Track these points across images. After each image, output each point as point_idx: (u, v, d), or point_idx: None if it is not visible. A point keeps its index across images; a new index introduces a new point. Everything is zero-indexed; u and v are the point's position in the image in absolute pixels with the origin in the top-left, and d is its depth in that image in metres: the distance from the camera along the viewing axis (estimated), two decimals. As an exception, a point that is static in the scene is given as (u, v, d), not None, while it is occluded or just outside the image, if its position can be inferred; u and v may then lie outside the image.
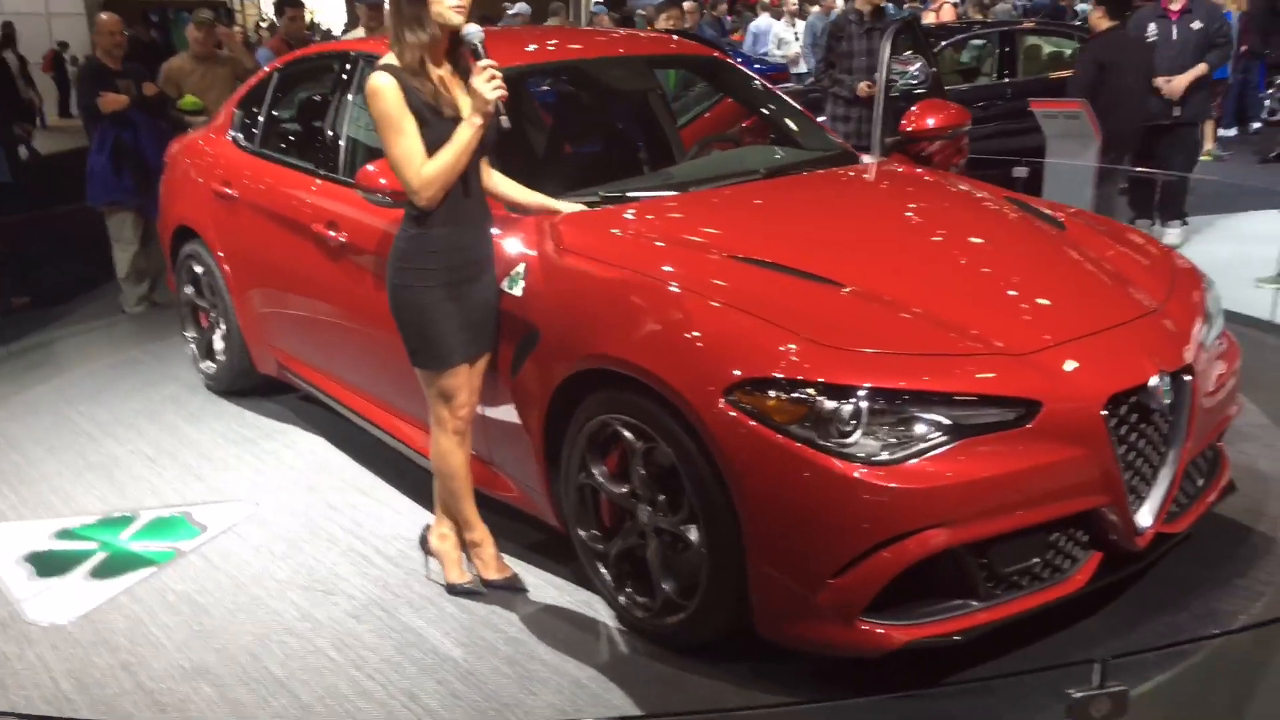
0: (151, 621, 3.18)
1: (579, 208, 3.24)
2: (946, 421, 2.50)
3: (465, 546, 3.26)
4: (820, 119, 6.78)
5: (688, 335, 2.68)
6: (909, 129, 4.40)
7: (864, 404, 2.48)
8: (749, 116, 4.59)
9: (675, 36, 5.46)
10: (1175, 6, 6.63)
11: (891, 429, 2.49)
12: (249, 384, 4.87)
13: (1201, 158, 9.41)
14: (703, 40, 6.45)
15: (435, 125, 2.84)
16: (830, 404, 2.48)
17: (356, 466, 4.19)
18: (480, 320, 3.04)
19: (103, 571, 3.48)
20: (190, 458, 4.36)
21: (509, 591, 3.20)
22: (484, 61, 2.82)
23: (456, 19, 2.82)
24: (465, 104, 2.89)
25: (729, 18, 14.39)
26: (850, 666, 2.73)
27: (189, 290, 5.08)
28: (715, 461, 2.58)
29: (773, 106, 4.34)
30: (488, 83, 2.79)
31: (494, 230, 3.14)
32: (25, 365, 5.71)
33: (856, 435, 2.47)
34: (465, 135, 2.83)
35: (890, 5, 9.61)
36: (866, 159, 4.11)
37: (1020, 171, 6.25)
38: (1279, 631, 2.95)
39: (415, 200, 2.89)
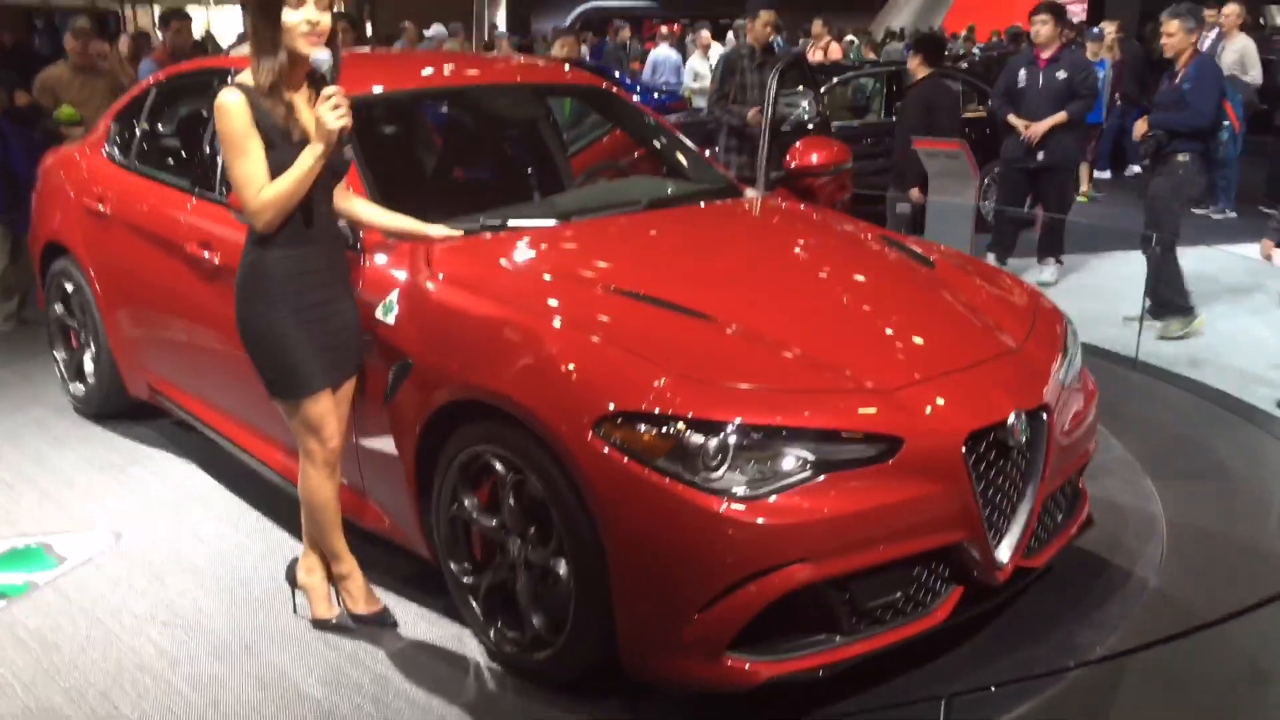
0: (-2, 659, 3.04)
1: (451, 233, 3.19)
2: (811, 457, 2.54)
3: (334, 580, 3.18)
4: (714, 149, 6.90)
5: (558, 367, 2.67)
6: (793, 165, 4.49)
7: (731, 439, 2.50)
8: (638, 147, 4.62)
9: (567, 66, 5.47)
10: (1045, 55, 6.91)
11: (757, 464, 2.51)
12: (119, 408, 4.70)
13: (1078, 199, 9.85)
14: (594, 70, 6.50)
15: (282, 149, 2.79)
16: (697, 438, 2.49)
17: (228, 496, 4.07)
18: (339, 345, 2.97)
19: (-53, 605, 3.32)
20: (52, 485, 4.19)
21: (378, 626, 3.13)
22: (329, 89, 2.77)
23: (305, 49, 2.77)
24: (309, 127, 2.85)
25: (642, 45, 14.51)
26: (712, 703, 2.73)
27: (58, 309, 4.90)
28: (583, 495, 2.57)
29: (660, 139, 4.38)
30: (331, 110, 2.75)
31: (357, 254, 3.11)
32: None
33: (722, 470, 2.49)
34: (306, 162, 2.78)
35: (778, 40, 9.86)
36: (750, 193, 4.17)
37: (903, 208, 6.44)
38: (1133, 662, 3.05)
39: (253, 223, 2.83)
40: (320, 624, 3.14)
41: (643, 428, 2.52)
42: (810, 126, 5.26)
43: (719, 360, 2.70)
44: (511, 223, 3.42)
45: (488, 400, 2.76)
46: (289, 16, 2.74)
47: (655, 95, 11.36)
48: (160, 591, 3.38)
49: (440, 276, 3.07)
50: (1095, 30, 11.00)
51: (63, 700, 2.84)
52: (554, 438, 2.59)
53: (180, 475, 4.25)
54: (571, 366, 2.66)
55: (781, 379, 2.69)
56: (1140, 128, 6.00)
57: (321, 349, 2.92)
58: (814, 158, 4.49)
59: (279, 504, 3.84)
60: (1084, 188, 10.31)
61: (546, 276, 3.10)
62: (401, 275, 3.13)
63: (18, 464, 4.38)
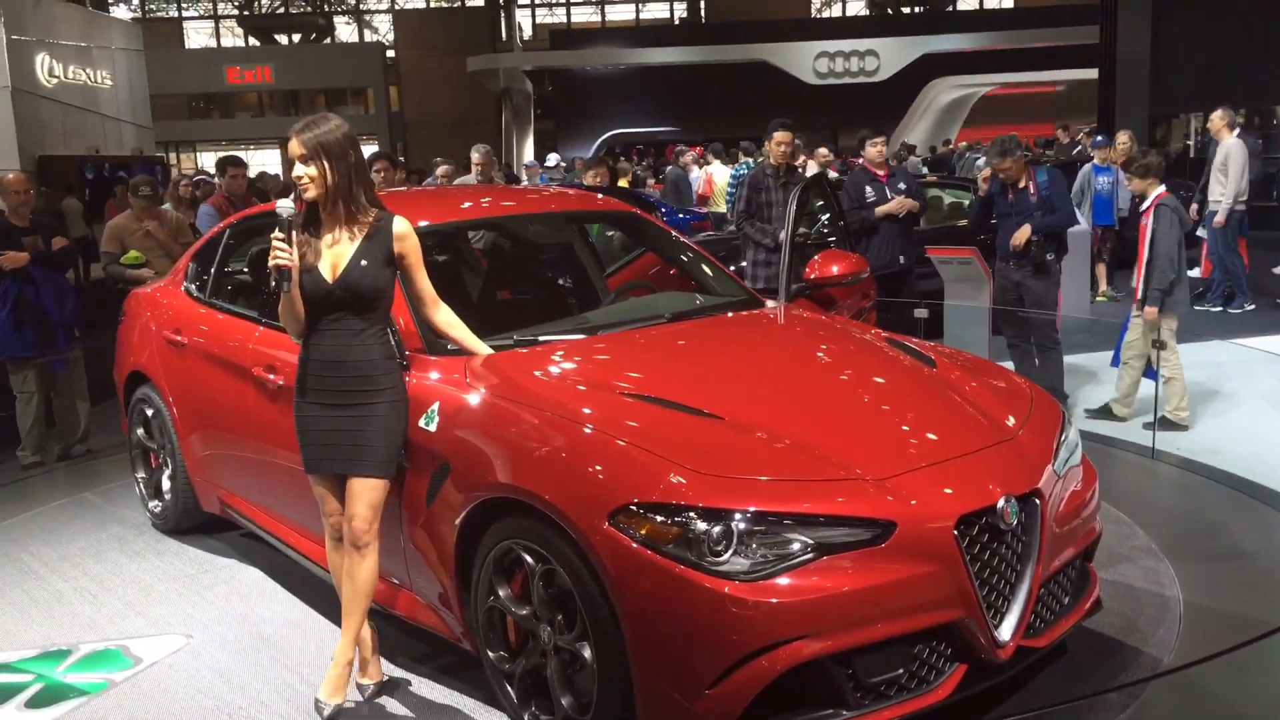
0: (79, 749, 3.32)
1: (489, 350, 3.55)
2: (810, 540, 2.77)
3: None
4: (742, 263, 7.28)
5: (576, 465, 2.95)
6: (812, 276, 4.79)
7: (735, 525, 2.74)
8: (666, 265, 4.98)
9: (600, 194, 5.89)
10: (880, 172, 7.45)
11: (760, 548, 2.75)
12: (194, 522, 5.06)
13: (1098, 298, 10.14)
14: (631, 196, 6.95)
15: (300, 277, 3.32)
16: (704, 525, 2.74)
17: (291, 599, 4.37)
18: (344, 443, 3.33)
19: (37, 702, 3.62)
20: (131, 593, 4.53)
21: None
22: (274, 236, 3.24)
23: (299, 199, 3.31)
24: (325, 262, 3.30)
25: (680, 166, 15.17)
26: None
27: (140, 432, 5.31)
28: (601, 580, 2.82)
29: (686, 256, 4.73)
30: (271, 254, 3.24)
31: (406, 370, 3.50)
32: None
33: (728, 554, 2.73)
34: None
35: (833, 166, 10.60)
36: (771, 304, 4.47)
37: (921, 312, 6.70)
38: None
39: None
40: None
41: (653, 517, 2.78)
42: (830, 240, 5.58)
43: (725, 455, 2.96)
44: (544, 338, 3.76)
45: (516, 496, 3.04)
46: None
47: (680, 216, 11.89)
48: (224, 689, 3.65)
49: (475, 387, 3.39)
50: (1100, 139, 11.40)
51: (137, 784, 3.11)
52: (573, 528, 2.86)
53: (247, 581, 4.57)
54: (589, 463, 2.94)
55: (782, 470, 2.93)
56: (1023, 235, 6.33)
57: (325, 441, 3.35)
58: (833, 269, 4.78)
59: (337, 606, 4.10)
60: (1103, 287, 10.58)
61: (570, 384, 3.41)
62: (442, 388, 3.46)
63: (100, 575, 4.74)
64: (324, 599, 4.23)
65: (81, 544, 5.15)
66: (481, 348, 3.57)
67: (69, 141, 15.72)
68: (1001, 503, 2.98)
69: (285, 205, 3.28)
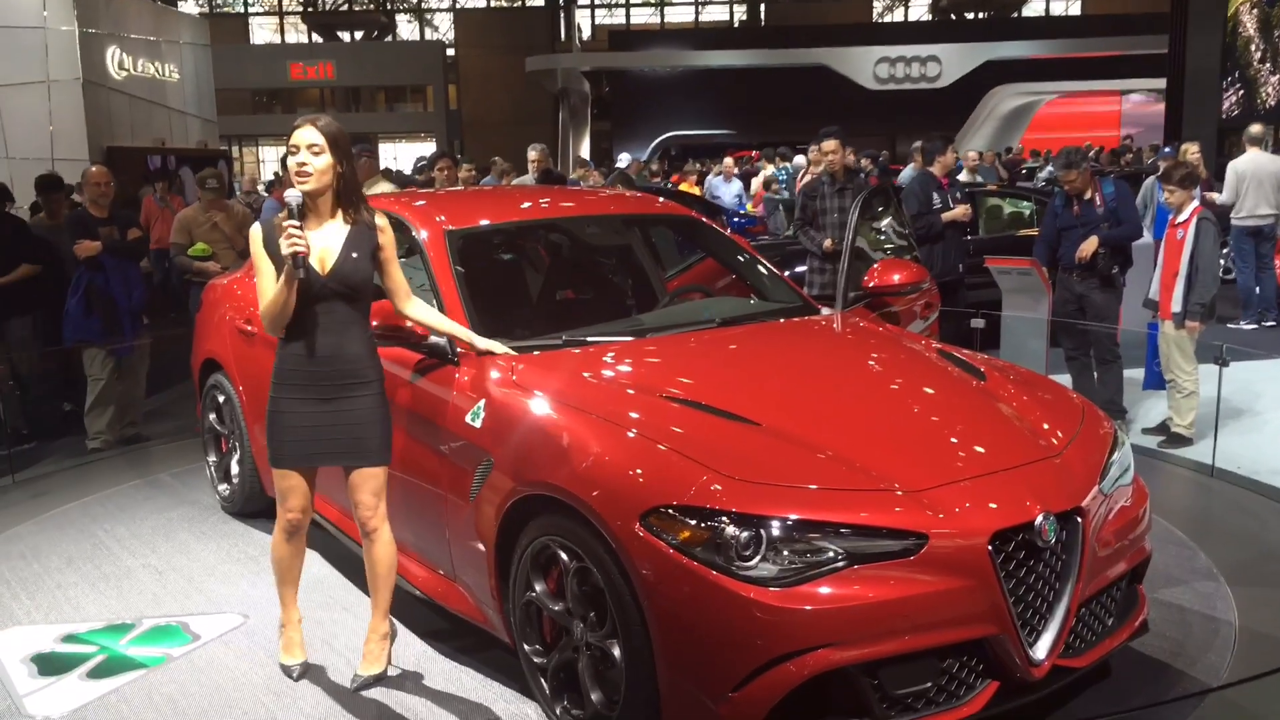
0: (133, 719, 3.46)
1: (497, 348, 3.63)
2: (839, 550, 2.77)
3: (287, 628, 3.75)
4: (800, 269, 7.26)
5: (611, 465, 3.00)
6: (871, 285, 4.76)
7: (764, 531, 2.76)
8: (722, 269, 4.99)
9: (660, 197, 5.92)
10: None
11: (789, 555, 2.76)
12: (258, 506, 5.22)
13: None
14: (696, 202, 6.97)
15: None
16: (734, 530, 2.76)
17: (346, 585, 4.49)
18: (340, 437, 3.42)
19: (99, 673, 3.79)
20: (195, 572, 4.71)
21: (289, 676, 3.67)
22: (286, 222, 3.28)
23: (298, 189, 3.36)
24: (314, 256, 3.35)
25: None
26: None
27: (212, 418, 5.51)
28: (631, 580, 2.86)
29: (742, 261, 4.74)
30: (284, 239, 3.26)
31: (454, 367, 3.61)
32: (64, 483, 6.16)
33: (756, 560, 2.75)
34: (280, 282, 3.31)
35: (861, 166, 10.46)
36: (826, 311, 4.46)
37: (978, 322, 6.61)
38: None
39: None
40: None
41: (684, 520, 2.81)
42: (888, 249, 5.53)
43: (759, 462, 2.97)
44: (591, 339, 3.81)
45: (553, 494, 3.10)
46: (290, 162, 3.36)
47: (736, 220, 11.89)
48: (274, 669, 3.76)
49: (520, 386, 3.46)
50: (1167, 150, 11.09)
51: (184, 755, 3.24)
52: (606, 528, 2.90)
53: (305, 567, 4.68)
54: (624, 464, 2.98)
55: (815, 478, 2.93)
56: (1090, 246, 6.23)
57: (301, 437, 3.42)
58: (894, 277, 4.74)
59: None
60: None
61: (612, 386, 3.45)
62: (489, 385, 3.54)
63: (168, 554, 4.93)
64: (375, 586, 4.34)
65: (153, 523, 5.35)
66: (470, 336, 3.64)
67: (136, 133, 16.04)
68: (1040, 520, 2.94)
69: (294, 194, 3.36)
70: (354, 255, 3.39)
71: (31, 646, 4.00)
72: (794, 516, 2.79)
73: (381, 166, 9.17)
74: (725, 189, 14.08)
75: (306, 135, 3.33)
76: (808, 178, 9.49)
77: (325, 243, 3.39)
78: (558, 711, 3.23)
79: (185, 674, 3.76)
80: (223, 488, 5.45)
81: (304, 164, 3.33)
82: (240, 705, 3.52)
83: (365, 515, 3.50)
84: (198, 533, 5.19)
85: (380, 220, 3.47)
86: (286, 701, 3.53)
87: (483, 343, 3.64)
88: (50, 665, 3.85)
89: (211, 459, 5.58)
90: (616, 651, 2.97)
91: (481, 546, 3.44)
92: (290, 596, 3.71)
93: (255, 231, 3.43)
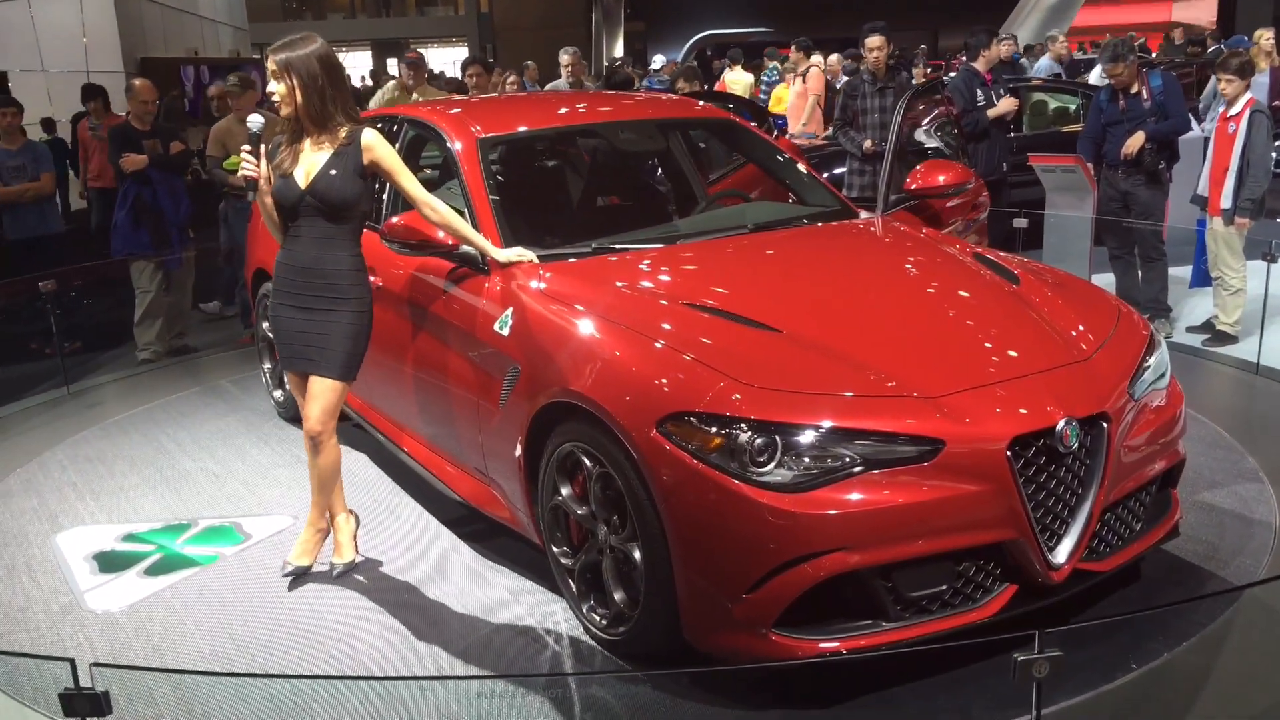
0: (186, 614, 3.65)
1: (522, 256, 3.65)
2: (854, 455, 2.77)
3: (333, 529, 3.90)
4: (840, 170, 7.11)
5: (630, 372, 3.02)
6: (913, 187, 4.66)
7: (779, 438, 2.77)
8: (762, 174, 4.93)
9: (699, 100, 5.83)
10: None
11: (804, 460, 2.77)
12: (310, 412, 5.37)
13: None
14: (745, 104, 6.85)
15: (277, 182, 3.58)
16: (748, 436, 2.78)
17: (391, 487, 4.63)
18: (311, 344, 3.58)
19: (155, 570, 3.99)
20: (249, 475, 4.88)
21: (350, 572, 3.84)
22: (243, 147, 3.56)
23: (271, 114, 3.52)
24: (300, 170, 3.52)
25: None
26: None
27: (264, 325, 5.64)
28: (648, 485, 2.91)
29: (781, 163, 4.67)
30: (239, 165, 3.55)
31: (484, 275, 3.67)
32: (118, 393, 6.40)
33: (770, 465, 2.77)
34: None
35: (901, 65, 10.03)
36: (865, 215, 4.39)
37: (1020, 222, 6.43)
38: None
39: None
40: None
41: (701, 427, 2.83)
42: (928, 150, 5.40)
43: (777, 369, 2.97)
44: (619, 246, 3.81)
45: (576, 401, 3.14)
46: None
47: (781, 122, 11.57)
48: (316, 566, 3.92)
49: (547, 294, 3.48)
50: (1238, 39, 10.44)
51: (231, 648, 3.41)
52: (624, 434, 2.94)
53: (352, 469, 4.84)
54: (640, 372, 3.00)
55: (832, 385, 2.92)
56: (1136, 142, 6.02)
57: (291, 340, 3.64)
58: (939, 179, 4.63)
59: (431, 499, 4.35)
60: None
61: (637, 294, 3.45)
62: (517, 293, 3.57)
63: (225, 458, 5.11)
64: (416, 486, 4.48)
65: (211, 428, 5.55)
66: (486, 245, 3.68)
67: (169, 44, 15.85)
68: (1061, 425, 2.91)
69: (255, 120, 3.58)
70: (332, 173, 3.50)
71: (94, 545, 4.22)
72: (810, 423, 2.79)
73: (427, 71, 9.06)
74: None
75: (269, 64, 3.50)
76: (796, 84, 9.26)
77: (311, 159, 3.52)
78: (584, 610, 3.32)
79: (235, 571, 3.93)
80: (278, 394, 5.61)
81: (272, 91, 3.51)
82: (285, 603, 3.68)
83: (313, 428, 3.63)
84: (254, 438, 5.37)
85: (367, 139, 3.53)
86: (329, 599, 3.68)
87: (502, 254, 3.65)
88: (110, 563, 4.06)
89: (266, 366, 5.73)
90: (637, 554, 3.03)
91: (512, 452, 3.51)
92: (322, 503, 3.80)
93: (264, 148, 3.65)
